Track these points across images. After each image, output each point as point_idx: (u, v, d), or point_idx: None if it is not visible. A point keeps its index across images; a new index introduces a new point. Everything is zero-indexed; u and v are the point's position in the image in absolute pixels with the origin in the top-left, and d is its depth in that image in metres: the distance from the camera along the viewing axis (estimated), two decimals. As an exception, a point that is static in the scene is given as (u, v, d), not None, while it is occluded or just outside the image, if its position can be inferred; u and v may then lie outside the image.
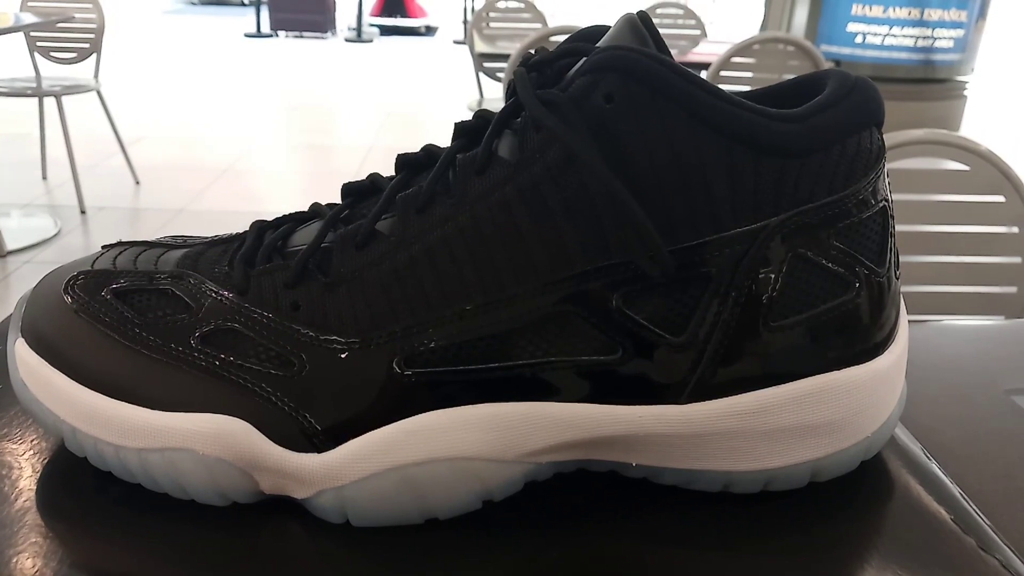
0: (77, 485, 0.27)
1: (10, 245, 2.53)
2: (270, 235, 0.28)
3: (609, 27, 0.27)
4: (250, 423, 0.25)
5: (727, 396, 0.25)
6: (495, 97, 2.95)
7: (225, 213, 2.96)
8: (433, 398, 0.25)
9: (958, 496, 0.28)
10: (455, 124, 0.28)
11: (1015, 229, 0.96)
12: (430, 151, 0.28)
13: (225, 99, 5.17)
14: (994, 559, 0.25)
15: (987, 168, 0.97)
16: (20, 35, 2.84)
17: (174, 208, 2.98)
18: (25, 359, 0.27)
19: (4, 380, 0.31)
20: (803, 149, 0.25)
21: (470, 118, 0.28)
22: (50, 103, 3.01)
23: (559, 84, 0.25)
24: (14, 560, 0.24)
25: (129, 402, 0.25)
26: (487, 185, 0.25)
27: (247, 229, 0.29)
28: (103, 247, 0.30)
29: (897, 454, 0.30)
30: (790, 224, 0.25)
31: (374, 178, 0.29)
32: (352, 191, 0.28)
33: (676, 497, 0.27)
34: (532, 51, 0.28)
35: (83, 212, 2.89)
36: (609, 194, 0.24)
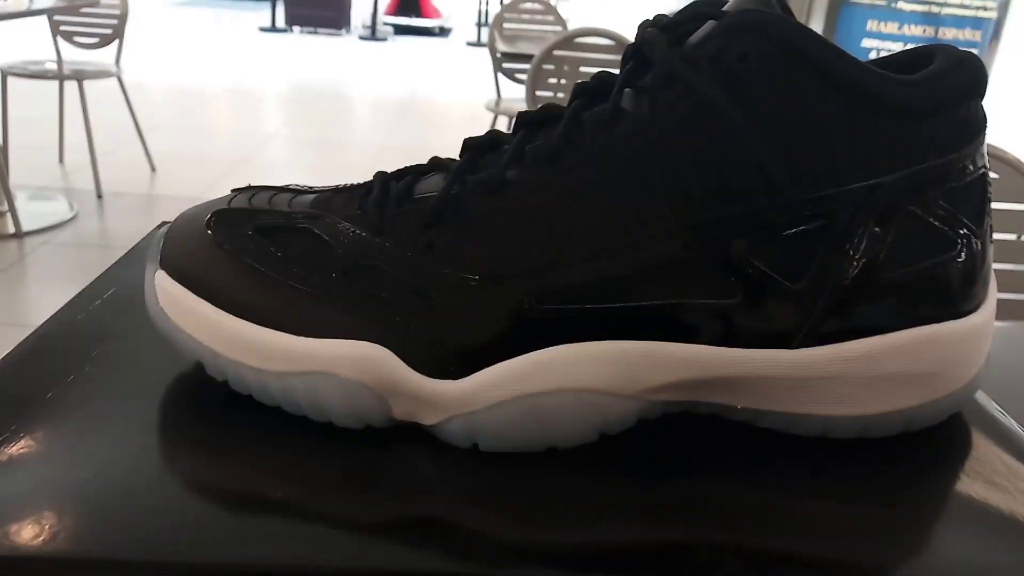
0: (209, 411, 0.29)
1: (27, 226, 2.54)
2: (394, 184, 0.30)
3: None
4: (389, 349, 0.26)
5: (835, 343, 0.27)
6: (513, 97, 2.97)
7: (240, 203, 2.98)
8: (561, 333, 0.26)
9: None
10: (575, 85, 0.29)
11: None
12: (549, 110, 0.29)
13: (240, 92, 5.20)
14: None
15: (1015, 176, 0.99)
16: (43, 19, 2.86)
17: (189, 196, 3.00)
18: (167, 288, 0.28)
19: (125, 316, 0.32)
20: (918, 113, 0.26)
21: (589, 80, 0.29)
22: (70, 88, 3.03)
23: (690, 43, 0.27)
24: (158, 481, 0.25)
25: (273, 328, 0.27)
26: (616, 138, 0.27)
27: (370, 179, 0.30)
28: (233, 190, 0.32)
29: (981, 413, 0.32)
30: (903, 183, 0.26)
31: (494, 134, 0.30)
32: (473, 146, 0.30)
33: (775, 442, 0.29)
34: (658, 14, 0.29)
35: (99, 197, 2.90)
36: (742, 145, 0.25)
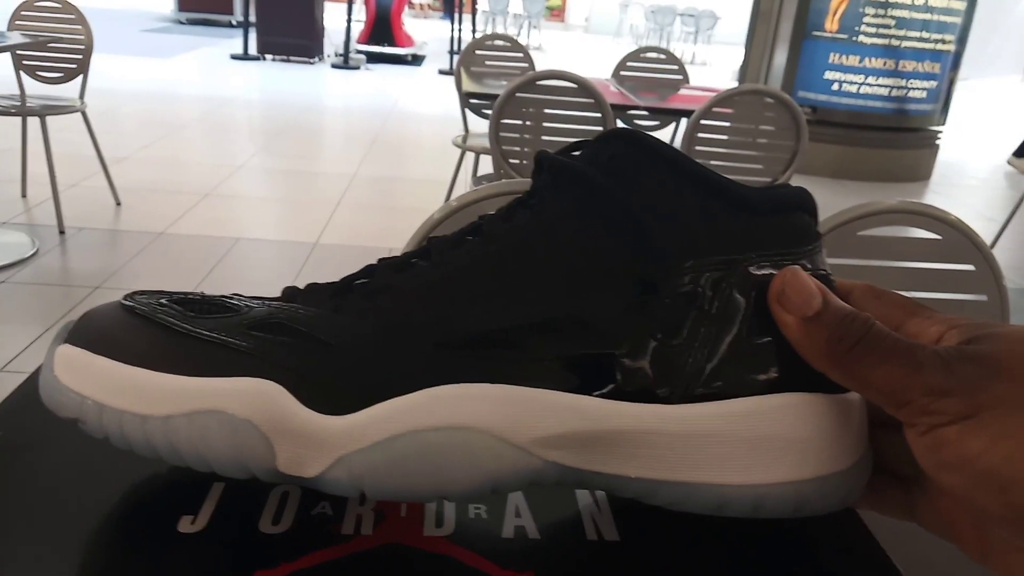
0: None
1: (-14, 263, 2.51)
2: (310, 287, 0.32)
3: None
4: (283, 387, 0.27)
5: (714, 400, 0.29)
6: (479, 132, 2.99)
7: (206, 238, 2.96)
8: (454, 378, 0.28)
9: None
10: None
11: (984, 297, 1.00)
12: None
13: (210, 121, 5.18)
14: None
15: (957, 237, 1.00)
16: (7, 54, 2.84)
17: (155, 231, 2.97)
18: (65, 355, 0.29)
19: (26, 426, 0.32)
20: (758, 209, 0.30)
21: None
22: (33, 121, 3.00)
23: (572, 154, 0.32)
24: None
25: (165, 372, 0.28)
26: (511, 226, 0.31)
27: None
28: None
29: (858, 547, 0.33)
30: (757, 261, 0.30)
31: (406, 253, 0.33)
32: (381, 261, 0.33)
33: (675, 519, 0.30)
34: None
35: (62, 232, 2.87)
36: (632, 217, 0.29)
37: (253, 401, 0.27)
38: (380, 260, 0.32)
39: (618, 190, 0.30)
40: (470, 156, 3.18)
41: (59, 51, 3.07)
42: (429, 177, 4.01)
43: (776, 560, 0.31)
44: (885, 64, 4.64)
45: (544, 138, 2.24)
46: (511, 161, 2.25)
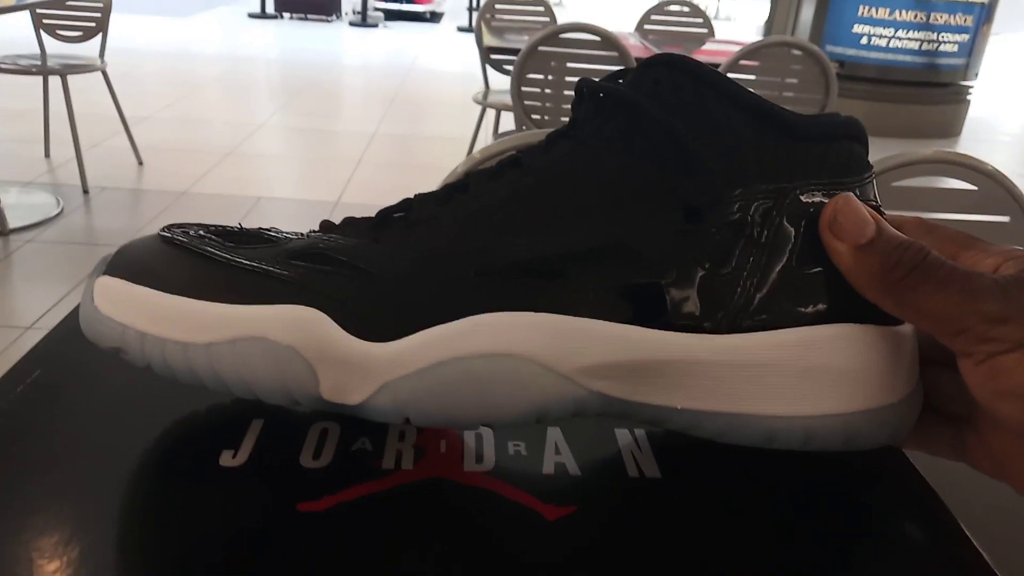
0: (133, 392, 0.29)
1: (12, 223, 2.53)
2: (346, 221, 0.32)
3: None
4: (324, 312, 0.27)
5: (763, 330, 0.28)
6: (500, 89, 2.95)
7: (228, 197, 2.97)
8: (498, 304, 0.27)
9: (954, 521, 0.30)
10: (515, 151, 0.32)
11: (1021, 249, 0.98)
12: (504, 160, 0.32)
13: (228, 80, 5.16)
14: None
15: (994, 188, 0.98)
16: (26, 12, 2.84)
17: (177, 190, 2.99)
18: (106, 285, 0.28)
19: (47, 403, 0.32)
20: (808, 135, 0.29)
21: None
22: (55, 81, 3.01)
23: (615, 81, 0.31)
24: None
25: (208, 299, 0.27)
26: (554, 156, 0.30)
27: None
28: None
29: (902, 482, 0.32)
30: (807, 189, 0.29)
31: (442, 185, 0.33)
32: (418, 195, 0.32)
33: (723, 450, 0.30)
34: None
35: (86, 192, 2.89)
36: (680, 143, 0.28)
37: (295, 328, 0.26)
38: (417, 195, 0.31)
39: (664, 115, 0.29)
40: (490, 113, 3.15)
41: (78, 9, 3.06)
42: (449, 135, 3.98)
43: (820, 499, 0.30)
44: (916, 17, 4.52)
45: (567, 93, 2.21)
46: (533, 116, 2.23)
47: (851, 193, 0.29)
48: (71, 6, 3.04)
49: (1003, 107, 5.96)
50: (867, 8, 4.53)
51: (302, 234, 0.31)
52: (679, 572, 0.26)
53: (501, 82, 3.00)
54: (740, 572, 0.27)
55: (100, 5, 3.05)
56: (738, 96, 0.29)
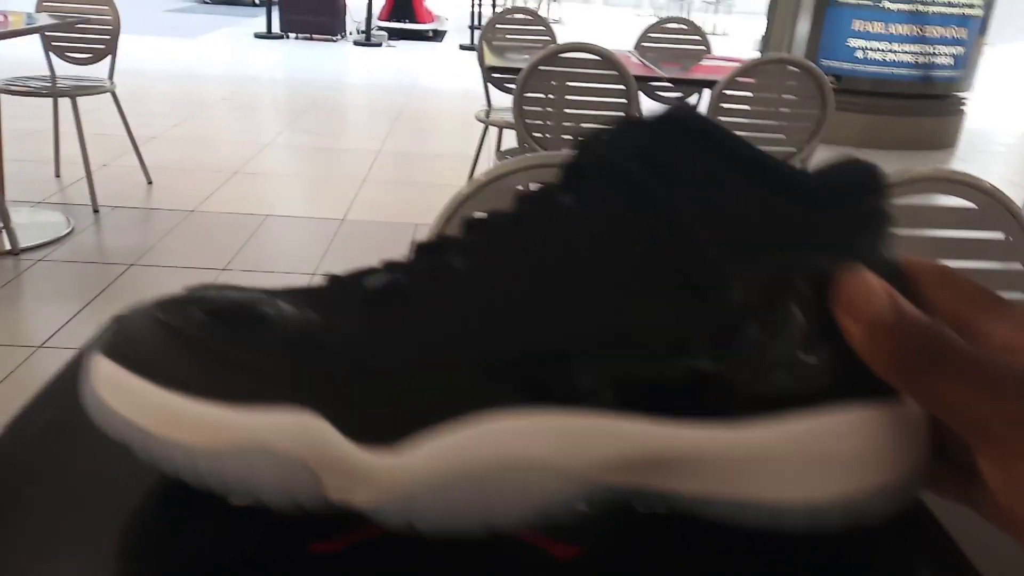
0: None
1: (24, 242, 2.57)
2: (344, 280, 0.31)
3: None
4: (325, 418, 0.27)
5: (775, 415, 0.28)
6: (502, 107, 3.00)
7: (234, 216, 3.01)
8: (503, 403, 0.27)
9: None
10: (516, 196, 0.31)
11: (1018, 265, 0.97)
12: (491, 216, 0.31)
13: (235, 100, 5.22)
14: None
15: (992, 204, 0.97)
16: (36, 35, 2.89)
17: (186, 208, 3.03)
18: (104, 370, 0.29)
19: (72, 407, 0.33)
20: (818, 199, 0.28)
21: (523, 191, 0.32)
22: (64, 102, 3.06)
23: (615, 141, 0.30)
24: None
25: (210, 399, 0.28)
26: (557, 224, 0.29)
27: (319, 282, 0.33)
28: (184, 288, 0.33)
29: (922, 531, 0.33)
30: (820, 258, 0.28)
31: (442, 238, 0.32)
32: (421, 247, 0.32)
33: (724, 536, 0.30)
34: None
35: (96, 211, 2.94)
36: (680, 225, 0.28)
37: (299, 438, 0.27)
38: (416, 254, 0.31)
39: (663, 191, 0.28)
40: (493, 131, 3.20)
41: (87, 32, 3.12)
42: (452, 152, 4.02)
43: (833, 538, 0.30)
44: (910, 30, 4.57)
45: (567, 111, 2.26)
46: (535, 135, 2.27)
47: (865, 270, 0.27)
48: (80, 28, 3.10)
49: (998, 118, 5.99)
50: (862, 23, 4.59)
51: (299, 295, 0.30)
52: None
53: (503, 100, 3.05)
54: None
55: (109, 28, 3.11)
56: (747, 160, 0.28)
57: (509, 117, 2.44)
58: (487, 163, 3.48)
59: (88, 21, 3.04)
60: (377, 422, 0.27)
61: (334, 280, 0.32)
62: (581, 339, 0.27)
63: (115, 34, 3.12)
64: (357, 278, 0.32)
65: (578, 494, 0.28)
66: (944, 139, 4.80)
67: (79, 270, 2.49)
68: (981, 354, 0.25)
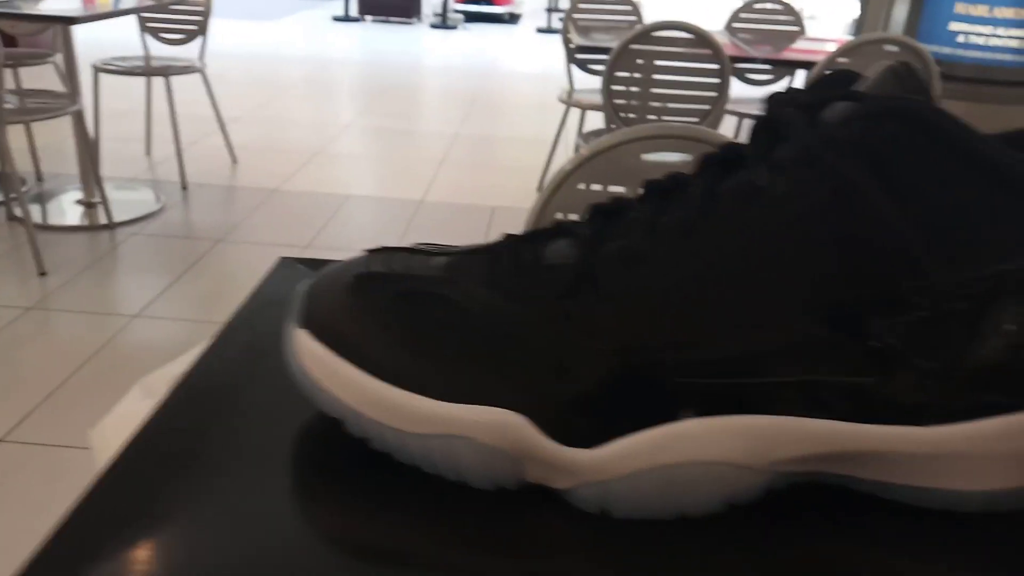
0: (346, 470, 0.30)
1: (117, 217, 2.66)
2: (524, 247, 0.30)
3: (857, 73, 0.29)
4: (525, 416, 0.27)
5: (967, 421, 0.27)
6: (586, 88, 2.95)
7: (315, 195, 3.05)
8: (694, 406, 0.27)
9: None
10: (703, 156, 0.30)
11: None
12: (678, 179, 0.30)
13: (315, 82, 5.30)
14: None
15: None
16: (132, 17, 2.97)
17: (269, 187, 3.08)
18: (310, 347, 0.30)
19: (270, 360, 0.34)
20: None
21: (717, 151, 0.30)
22: (157, 82, 3.14)
23: (829, 124, 0.27)
24: (294, 541, 0.27)
25: (413, 391, 0.28)
26: (753, 215, 0.27)
27: (499, 240, 0.31)
28: (366, 251, 0.33)
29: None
30: None
31: (620, 201, 0.31)
32: (600, 212, 0.30)
33: (902, 510, 0.29)
34: (785, 91, 0.30)
35: (184, 188, 3.01)
36: (885, 227, 0.26)
37: (501, 432, 0.27)
38: (591, 226, 0.30)
39: (881, 196, 0.26)
40: (573, 114, 3.15)
41: (180, 12, 3.19)
42: (529, 135, 4.00)
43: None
44: (1016, 14, 4.32)
45: (653, 91, 2.20)
46: (621, 115, 2.22)
47: None
48: (174, 10, 3.17)
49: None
50: (964, 5, 4.36)
51: (479, 285, 0.30)
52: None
53: (584, 82, 3.00)
54: None
55: (201, 9, 3.17)
56: (982, 155, 0.26)
57: (592, 98, 2.39)
58: (566, 145, 3.43)
59: (181, 2, 3.10)
60: (575, 426, 0.28)
61: (513, 250, 0.30)
62: (777, 346, 0.27)
63: (207, 15, 3.18)
64: (538, 250, 0.30)
65: (762, 482, 0.28)
66: (1050, 129, 4.54)
67: (169, 245, 2.56)
68: None
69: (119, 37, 3.79)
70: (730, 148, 0.29)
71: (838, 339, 0.26)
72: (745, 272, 0.27)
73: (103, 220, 2.64)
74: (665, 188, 0.30)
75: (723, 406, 0.27)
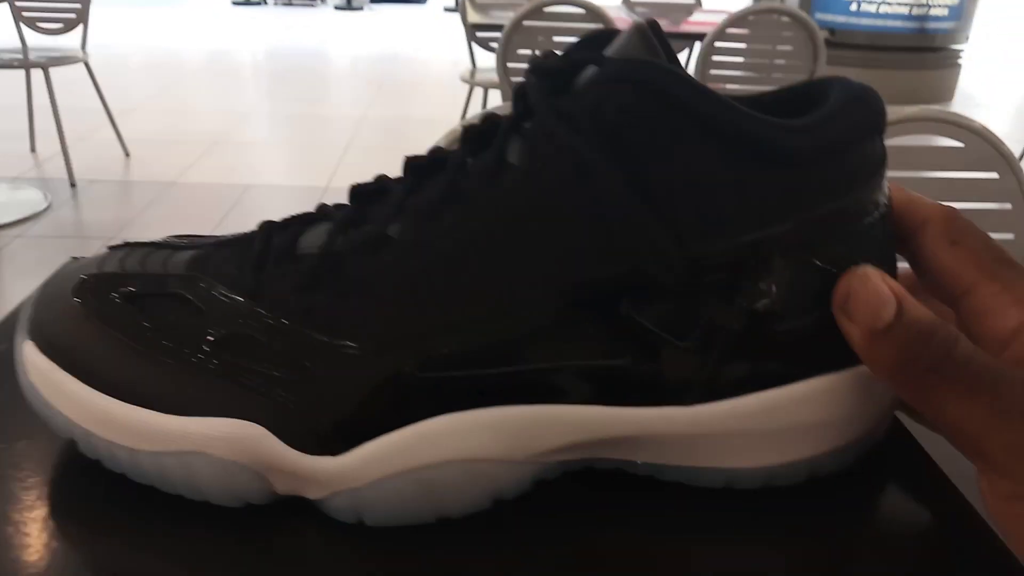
0: (88, 486, 0.27)
1: (1, 219, 2.51)
2: (279, 236, 0.28)
3: (616, 31, 0.27)
4: (264, 426, 0.25)
5: (730, 398, 0.26)
6: (487, 67, 2.92)
7: (215, 186, 2.94)
8: (444, 401, 0.25)
9: (955, 490, 0.29)
10: (463, 127, 0.28)
11: (1008, 206, 0.96)
12: (437, 155, 0.28)
13: (214, 68, 5.11)
14: (994, 560, 0.26)
15: (981, 145, 0.97)
16: (5, 6, 2.80)
17: (165, 181, 2.96)
18: (35, 362, 0.27)
19: (10, 381, 0.31)
20: (809, 159, 0.25)
21: (476, 121, 0.28)
22: (37, 75, 2.97)
23: (569, 92, 0.25)
24: (26, 561, 0.24)
25: (143, 406, 0.25)
26: (498, 193, 0.25)
27: (255, 229, 0.29)
28: (109, 247, 0.30)
29: (897, 446, 0.31)
30: (794, 232, 0.25)
31: (382, 181, 0.29)
32: (360, 193, 0.28)
33: (680, 490, 0.28)
34: (539, 55, 0.28)
35: (73, 185, 2.86)
36: (621, 204, 0.24)
37: (238, 445, 0.25)
38: (348, 209, 0.28)
39: (613, 172, 0.24)
40: (478, 92, 3.12)
41: (58, 0, 3.02)
42: (438, 116, 3.94)
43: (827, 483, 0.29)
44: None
45: (554, 69, 2.19)
46: (521, 94, 2.21)
47: (868, 268, 0.25)
48: (50, -3, 3.00)
49: (996, 71, 5.92)
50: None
51: (229, 280, 0.27)
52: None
53: (488, 60, 2.97)
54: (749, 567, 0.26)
55: (79, -5, 3.01)
56: (719, 121, 0.24)
57: (494, 77, 2.36)
58: (474, 127, 3.40)
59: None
60: (317, 432, 0.25)
61: (266, 238, 0.28)
62: (528, 331, 0.25)
63: (86, 2, 3.02)
64: (293, 237, 0.28)
65: (529, 474, 0.26)
66: (941, 93, 4.73)
67: (56, 245, 2.43)
68: (991, 363, 0.22)
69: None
70: (489, 119, 0.27)
71: (589, 321, 0.25)
72: (490, 255, 0.25)
73: (-17, 223, 2.50)
74: (423, 166, 0.28)
75: (475, 399, 0.25)
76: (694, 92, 0.24)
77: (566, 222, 0.25)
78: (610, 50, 0.26)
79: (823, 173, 0.25)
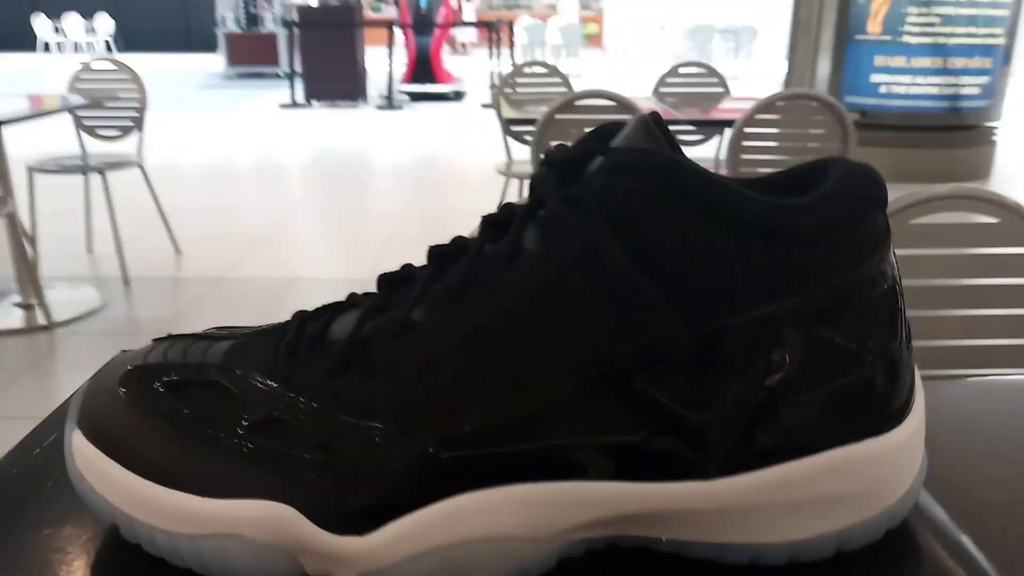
0: (128, 570, 0.29)
1: (57, 316, 2.61)
2: (311, 325, 0.30)
3: (623, 123, 0.30)
4: (295, 507, 0.26)
5: (751, 471, 0.26)
6: (522, 159, 3.00)
7: (262, 280, 3.03)
8: (468, 479, 0.26)
9: (986, 566, 0.29)
10: (483, 217, 0.30)
11: None
12: (460, 242, 0.30)
13: (263, 169, 5.32)
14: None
15: (1016, 220, 0.97)
16: (67, 115, 2.97)
17: (214, 277, 3.06)
18: (82, 450, 0.28)
19: (60, 468, 0.33)
20: (813, 236, 0.26)
21: (496, 211, 0.30)
22: (95, 178, 3.13)
23: (580, 181, 0.27)
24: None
25: (181, 490, 0.27)
26: (515, 276, 0.27)
27: (289, 319, 0.31)
28: (154, 340, 0.32)
29: (924, 522, 0.31)
30: (803, 306, 0.26)
31: (408, 268, 0.30)
32: (387, 281, 0.30)
33: (706, 569, 0.28)
34: (552, 149, 0.30)
35: (127, 283, 2.97)
36: (630, 284, 0.26)
37: (269, 527, 0.26)
38: (375, 296, 0.30)
39: (620, 254, 0.26)
40: (514, 183, 3.20)
41: (116, 110, 3.20)
42: (477, 208, 4.03)
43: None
44: (933, 63, 4.53)
45: (587, 159, 2.24)
46: (555, 184, 2.26)
47: None
48: (109, 107, 3.18)
49: (1033, 146, 5.88)
50: (883, 57, 4.56)
51: (263, 371, 0.29)
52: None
53: (523, 153, 3.05)
54: None
55: (136, 104, 3.19)
56: (720, 201, 0.26)
57: (528, 169, 2.44)
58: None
59: (115, 99, 3.12)
60: (346, 511, 0.26)
61: (300, 326, 0.30)
62: (549, 410, 0.26)
63: (142, 110, 3.20)
64: (325, 324, 0.30)
65: (554, 553, 0.27)
66: (978, 170, 4.72)
67: (110, 342, 2.50)
68: None
69: (57, 139, 3.78)
70: (507, 209, 0.29)
71: (606, 397, 0.26)
72: (507, 335, 0.26)
73: (41, 321, 2.59)
74: (446, 253, 0.29)
75: (498, 477, 0.26)
76: (694, 176, 0.26)
77: (578, 303, 0.26)
78: (616, 141, 0.28)
79: (828, 248, 0.27)
